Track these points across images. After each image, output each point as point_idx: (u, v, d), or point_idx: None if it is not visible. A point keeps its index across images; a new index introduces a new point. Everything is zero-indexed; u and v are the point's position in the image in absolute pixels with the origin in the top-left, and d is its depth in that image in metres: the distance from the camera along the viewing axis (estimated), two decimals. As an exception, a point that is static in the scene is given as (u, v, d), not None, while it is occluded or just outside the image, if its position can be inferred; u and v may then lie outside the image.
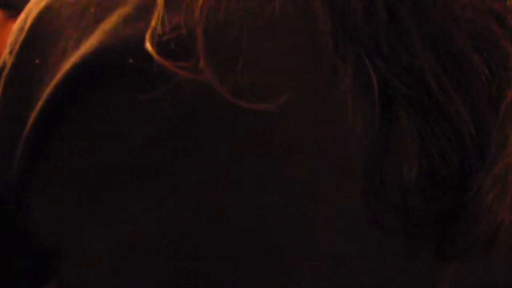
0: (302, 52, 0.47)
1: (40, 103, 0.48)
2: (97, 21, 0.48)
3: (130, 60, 0.45)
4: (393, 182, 0.47)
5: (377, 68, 0.47)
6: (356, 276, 0.48)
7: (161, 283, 0.47)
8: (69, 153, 0.48)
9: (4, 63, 0.52)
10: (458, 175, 0.48)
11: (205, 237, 0.46)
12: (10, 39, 0.53)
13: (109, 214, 0.48)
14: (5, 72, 0.52)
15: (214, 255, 0.47)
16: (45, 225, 0.51)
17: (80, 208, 0.49)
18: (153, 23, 0.45)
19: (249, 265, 0.47)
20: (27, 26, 0.51)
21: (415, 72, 0.47)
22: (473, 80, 0.48)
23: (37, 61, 0.50)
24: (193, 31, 0.45)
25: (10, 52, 0.52)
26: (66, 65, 0.47)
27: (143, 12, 0.47)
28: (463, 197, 0.48)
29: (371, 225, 0.48)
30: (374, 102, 0.47)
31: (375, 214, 0.47)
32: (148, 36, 0.45)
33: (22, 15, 0.53)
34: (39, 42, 0.50)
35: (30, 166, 0.50)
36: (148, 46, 0.44)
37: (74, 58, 0.47)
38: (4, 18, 1.47)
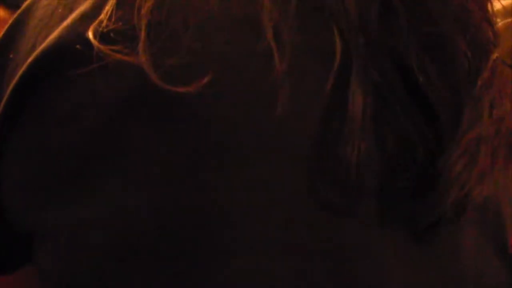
0: (239, 38, 0.50)
1: (7, 92, 0.53)
2: (62, 19, 0.53)
3: (77, 47, 0.50)
4: (341, 162, 0.49)
5: (356, 47, 0.48)
6: (309, 260, 0.49)
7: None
8: (31, 137, 0.53)
9: None
10: (429, 147, 0.50)
11: (148, 220, 0.49)
12: None
13: (71, 196, 0.51)
14: None
15: (156, 232, 0.49)
16: (18, 208, 0.55)
17: (47, 190, 0.53)
18: (101, 16, 0.50)
19: (186, 248, 0.49)
20: (9, 25, 0.57)
21: (397, 52, 0.49)
22: (455, 61, 0.50)
23: (11, 56, 0.55)
24: (137, 23, 0.49)
25: None
26: (30, 58, 0.52)
27: (97, 10, 0.51)
28: (433, 166, 0.50)
29: (320, 208, 0.49)
30: (324, 84, 0.49)
31: (323, 196, 0.49)
32: (92, 27, 0.50)
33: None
34: (15, 38, 0.56)
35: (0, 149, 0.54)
36: (90, 34, 0.49)
37: (34, 54, 0.52)
38: (6, 17, 1.48)
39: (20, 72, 0.53)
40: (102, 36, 0.49)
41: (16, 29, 0.57)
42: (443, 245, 0.53)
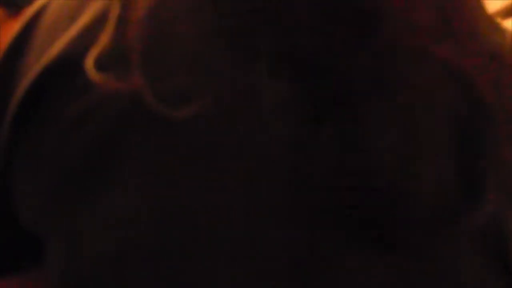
0: (224, 63, 0.51)
1: (15, 101, 0.55)
2: (64, 31, 0.55)
3: (78, 62, 0.52)
4: (316, 184, 0.50)
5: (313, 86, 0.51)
6: (275, 267, 0.51)
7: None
8: (37, 145, 0.55)
9: None
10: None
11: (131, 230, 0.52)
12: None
13: (73, 203, 0.53)
14: None
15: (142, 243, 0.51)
16: (28, 212, 0.57)
17: (50, 198, 0.54)
18: (100, 39, 0.52)
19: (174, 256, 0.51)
20: (17, 32, 0.58)
21: None
22: None
23: (19, 61, 0.57)
24: (131, 48, 0.51)
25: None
26: (36, 68, 0.55)
27: (95, 27, 0.53)
28: (400, 187, 0.51)
29: (294, 223, 0.51)
30: (301, 114, 0.51)
31: (298, 213, 0.50)
32: (91, 51, 0.52)
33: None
34: (23, 46, 0.57)
35: (10, 156, 0.56)
36: (89, 60, 0.51)
37: (39, 65, 0.55)
38: (4, 16, 1.47)
39: (27, 81, 0.55)
40: (100, 60, 0.51)
41: (24, 37, 0.58)
42: (429, 260, 0.53)
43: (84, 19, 0.54)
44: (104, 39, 0.52)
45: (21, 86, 0.55)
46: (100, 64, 0.51)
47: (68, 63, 0.53)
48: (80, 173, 0.53)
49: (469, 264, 0.53)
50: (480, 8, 0.57)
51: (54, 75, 0.54)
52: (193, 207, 0.51)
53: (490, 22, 0.58)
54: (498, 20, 0.63)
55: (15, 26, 0.60)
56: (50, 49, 0.55)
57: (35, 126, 0.55)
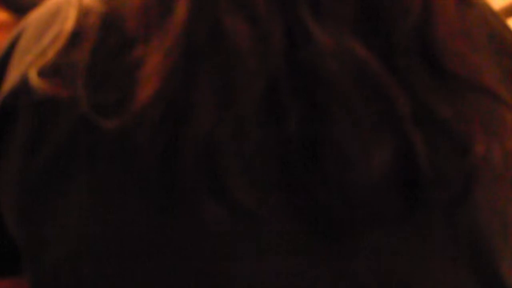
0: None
1: None
2: (30, 51, 0.60)
3: (33, 95, 0.57)
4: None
5: None
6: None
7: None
8: (6, 165, 0.60)
9: None
10: None
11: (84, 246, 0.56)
12: None
13: (31, 218, 0.58)
14: None
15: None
16: (7, 225, 0.62)
17: (14, 213, 0.60)
18: (47, 58, 0.57)
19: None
20: (4, 47, 0.64)
21: None
22: None
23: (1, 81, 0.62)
24: (78, 67, 0.56)
25: None
26: (4, 88, 0.60)
27: (47, 51, 0.58)
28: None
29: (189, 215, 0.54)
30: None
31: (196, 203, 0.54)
32: (37, 69, 0.57)
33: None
34: (5, 68, 0.63)
35: None
36: (32, 70, 0.57)
37: (4, 90, 0.60)
38: (13, 21, 1.48)
39: None
40: (45, 76, 0.56)
41: (5, 60, 0.63)
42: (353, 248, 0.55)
43: (38, 48, 0.59)
44: (51, 52, 0.57)
45: None
46: (45, 74, 0.56)
47: (21, 90, 0.58)
48: (40, 188, 0.57)
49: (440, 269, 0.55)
50: None
51: (16, 97, 0.59)
52: (133, 221, 0.54)
53: None
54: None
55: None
56: (17, 70, 0.60)
57: (5, 145, 0.60)
